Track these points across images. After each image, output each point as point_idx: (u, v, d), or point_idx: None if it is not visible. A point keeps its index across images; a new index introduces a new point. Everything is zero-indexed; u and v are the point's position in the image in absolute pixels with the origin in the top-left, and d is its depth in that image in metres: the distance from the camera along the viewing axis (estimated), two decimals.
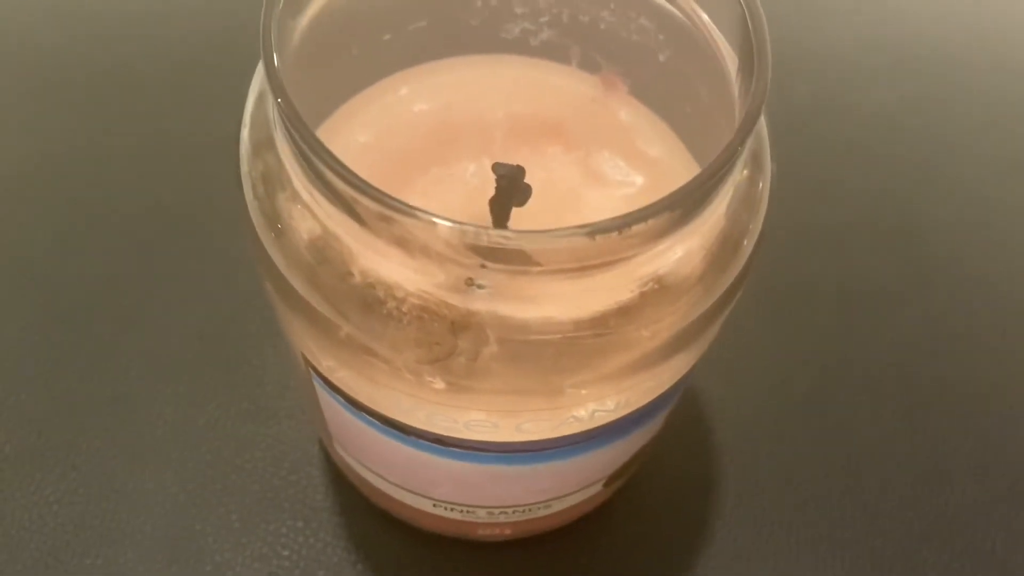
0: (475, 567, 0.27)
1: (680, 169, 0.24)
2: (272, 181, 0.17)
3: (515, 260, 0.15)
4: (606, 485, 0.25)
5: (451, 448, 0.19)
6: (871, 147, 0.36)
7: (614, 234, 0.15)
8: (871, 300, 0.33)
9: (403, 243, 0.15)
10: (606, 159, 0.24)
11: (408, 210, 0.15)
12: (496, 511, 0.24)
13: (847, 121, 0.37)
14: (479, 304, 0.16)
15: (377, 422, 0.20)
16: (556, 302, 0.16)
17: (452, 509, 0.24)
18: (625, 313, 0.17)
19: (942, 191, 0.36)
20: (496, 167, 0.21)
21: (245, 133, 0.18)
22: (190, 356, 0.30)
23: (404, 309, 0.16)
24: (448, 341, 0.16)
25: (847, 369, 0.31)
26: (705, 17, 0.19)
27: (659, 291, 0.17)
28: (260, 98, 0.18)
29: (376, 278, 0.16)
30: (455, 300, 0.16)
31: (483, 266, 0.15)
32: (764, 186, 0.18)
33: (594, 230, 0.15)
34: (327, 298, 0.17)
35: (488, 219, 0.21)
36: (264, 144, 0.18)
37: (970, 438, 0.30)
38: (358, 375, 0.18)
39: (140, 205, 0.33)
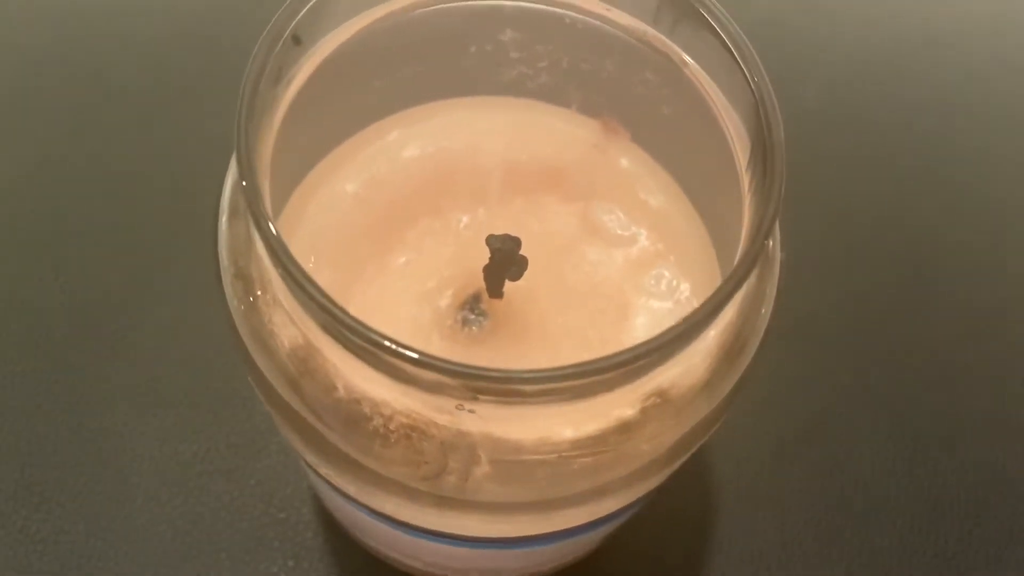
0: None
1: (682, 221, 0.23)
2: (251, 281, 0.16)
3: (509, 393, 0.14)
4: (600, 542, 0.24)
5: (444, 538, 0.19)
6: (879, 159, 0.35)
7: (617, 372, 0.14)
8: (872, 332, 0.32)
9: (389, 371, 0.14)
10: (606, 210, 0.23)
11: (395, 349, 0.14)
12: (490, 573, 0.23)
13: (858, 127, 0.36)
14: (470, 425, 0.15)
15: (367, 511, 0.19)
16: (552, 423, 0.15)
17: (445, 570, 0.23)
18: (626, 430, 0.16)
19: (954, 204, 0.34)
20: (490, 240, 0.20)
21: (223, 222, 0.17)
22: (177, 389, 0.29)
23: (391, 427, 0.15)
24: (438, 460, 0.16)
25: (845, 402, 0.30)
26: (714, 89, 0.18)
27: (661, 404, 0.16)
28: (236, 187, 0.17)
29: (361, 394, 0.15)
30: (445, 421, 0.15)
31: (475, 397, 0.14)
32: (772, 283, 0.17)
33: (592, 370, 0.14)
34: (311, 408, 0.16)
35: (481, 276, 0.21)
36: (242, 239, 0.17)
37: (971, 474, 0.30)
38: (344, 476, 0.17)
39: (126, 234, 0.32)
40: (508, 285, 0.21)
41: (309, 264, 0.22)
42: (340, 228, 0.22)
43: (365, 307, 0.21)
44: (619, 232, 0.23)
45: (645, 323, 0.21)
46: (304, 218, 0.22)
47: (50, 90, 0.35)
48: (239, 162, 0.14)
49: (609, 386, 0.15)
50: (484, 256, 0.20)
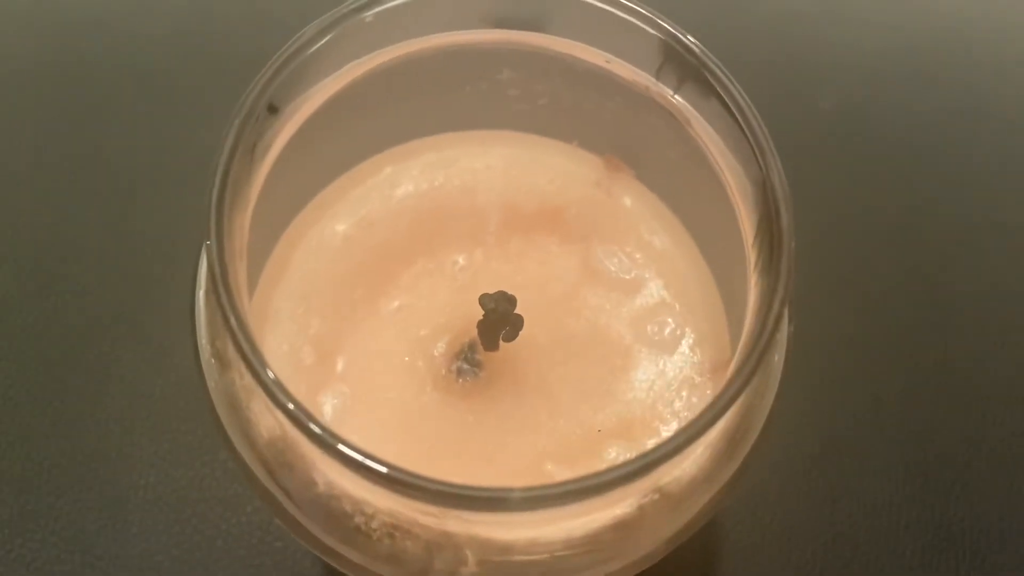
0: None
1: (686, 266, 0.22)
2: (227, 364, 0.16)
3: (496, 510, 0.13)
4: None
5: None
6: (897, 162, 0.34)
7: (615, 490, 0.13)
8: (883, 359, 0.31)
9: (369, 477, 0.14)
10: (608, 252, 0.22)
11: (375, 470, 0.13)
12: None
13: (874, 133, 0.34)
14: (456, 527, 0.15)
15: None
16: (545, 524, 0.15)
17: None
18: (622, 528, 0.15)
19: (962, 234, 0.33)
20: (484, 300, 0.19)
21: (200, 297, 0.16)
22: (172, 414, 0.29)
23: (374, 526, 0.15)
24: (423, 559, 0.15)
25: (850, 433, 0.29)
26: (719, 149, 0.17)
27: (660, 501, 0.15)
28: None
29: (342, 491, 0.15)
30: (429, 521, 0.15)
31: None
32: (778, 366, 0.16)
33: (589, 488, 0.13)
34: (291, 499, 0.15)
35: (475, 323, 0.20)
36: (218, 321, 0.16)
37: (983, 504, 0.29)
38: (331, 559, 0.17)
39: (119, 251, 0.31)
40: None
41: (299, 311, 0.21)
42: (330, 271, 0.21)
43: (356, 356, 0.21)
44: (622, 276, 0.22)
45: (647, 374, 0.21)
46: (293, 261, 0.21)
47: (41, 110, 0.34)
48: (209, 259, 0.13)
49: (604, 492, 0.14)
50: (479, 320, 0.19)
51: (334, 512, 0.15)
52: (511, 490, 0.13)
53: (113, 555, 0.27)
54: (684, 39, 0.16)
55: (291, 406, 0.13)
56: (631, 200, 0.22)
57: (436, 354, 0.21)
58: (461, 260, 0.22)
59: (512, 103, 0.21)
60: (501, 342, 0.20)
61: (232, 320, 0.13)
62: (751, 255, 0.16)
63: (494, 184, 0.22)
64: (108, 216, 0.32)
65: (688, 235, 0.22)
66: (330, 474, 0.15)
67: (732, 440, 0.16)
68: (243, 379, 0.15)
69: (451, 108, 0.21)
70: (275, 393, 0.13)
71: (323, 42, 0.16)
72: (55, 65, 0.35)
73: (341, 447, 0.13)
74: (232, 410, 0.16)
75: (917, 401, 0.30)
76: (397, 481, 0.13)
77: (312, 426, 0.13)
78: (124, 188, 0.32)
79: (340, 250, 0.22)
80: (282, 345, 0.20)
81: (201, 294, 0.16)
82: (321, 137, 0.18)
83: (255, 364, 0.13)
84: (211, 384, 0.16)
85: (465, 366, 0.21)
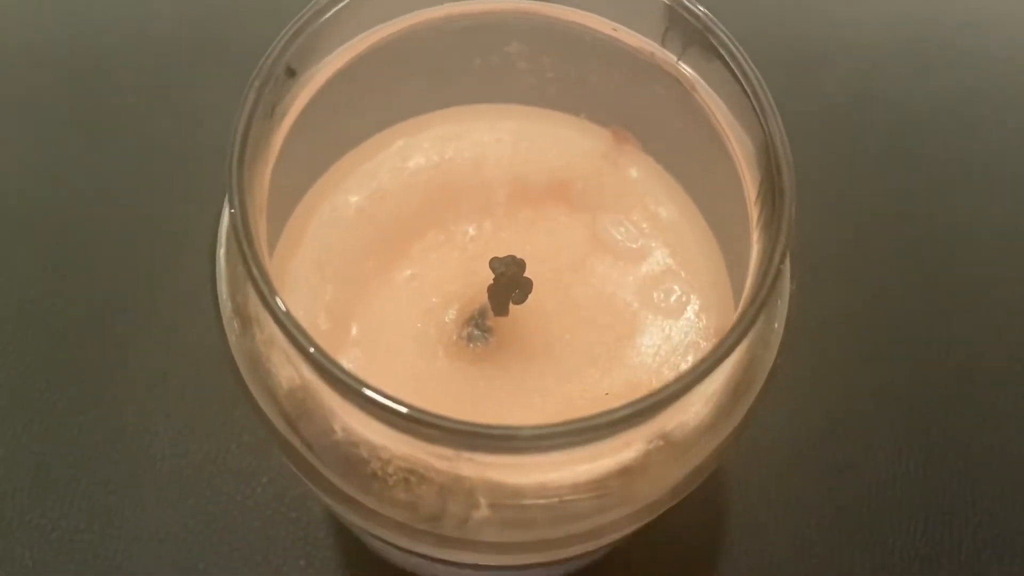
0: None
1: (692, 235, 0.22)
2: (249, 319, 0.16)
3: (507, 449, 0.14)
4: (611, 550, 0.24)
5: (448, 564, 0.19)
6: (892, 164, 0.34)
7: (620, 428, 0.13)
8: (884, 336, 0.31)
9: (386, 420, 0.14)
10: (615, 222, 0.22)
11: (389, 408, 0.13)
12: None
13: (877, 117, 0.35)
14: (468, 470, 0.15)
15: (369, 534, 0.19)
16: (553, 468, 0.15)
17: None
18: (628, 473, 0.15)
19: (967, 214, 0.34)
20: (494, 263, 0.19)
21: (220, 256, 0.17)
22: (189, 387, 0.29)
23: (389, 471, 0.15)
24: (436, 504, 0.15)
25: (856, 408, 0.30)
26: (724, 114, 0.18)
27: (664, 447, 0.16)
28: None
29: (360, 438, 0.15)
30: (443, 466, 0.15)
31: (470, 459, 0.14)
32: (780, 320, 0.17)
33: (598, 426, 0.13)
34: (309, 447, 0.16)
35: (485, 290, 0.20)
36: (239, 276, 0.16)
37: (988, 476, 0.29)
38: (345, 509, 0.17)
39: (135, 231, 0.31)
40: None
41: (314, 279, 0.21)
42: (344, 242, 0.22)
43: (370, 323, 0.21)
44: (628, 245, 0.22)
45: (653, 340, 0.21)
46: (307, 233, 0.22)
47: (55, 92, 0.34)
48: (231, 212, 0.14)
49: (610, 434, 0.14)
50: (490, 270, 0.19)
51: (351, 459, 0.15)
52: (521, 428, 0.13)
53: (130, 526, 0.28)
54: (688, 3, 0.17)
55: (313, 350, 0.13)
56: (637, 172, 0.22)
57: (447, 321, 0.21)
58: (471, 231, 0.22)
59: (521, 76, 0.22)
60: (511, 307, 0.20)
61: (253, 268, 0.14)
62: (753, 213, 0.16)
63: (503, 157, 0.23)
64: (123, 201, 0.32)
65: (694, 205, 0.22)
66: (348, 421, 0.15)
67: (735, 391, 0.16)
68: (263, 333, 0.16)
69: (461, 82, 0.22)
70: (298, 338, 0.13)
71: (340, 7, 0.17)
72: (67, 42, 0.35)
73: (364, 390, 0.13)
74: (252, 365, 0.16)
75: (921, 379, 0.31)
76: (415, 420, 0.13)
77: (333, 369, 0.13)
78: (137, 173, 0.33)
79: (353, 221, 0.22)
80: (298, 311, 0.21)
81: (222, 253, 0.17)
82: (335, 104, 0.19)
83: (277, 311, 0.14)
84: (231, 340, 0.17)
85: (475, 332, 0.21)
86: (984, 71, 0.36)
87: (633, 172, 0.23)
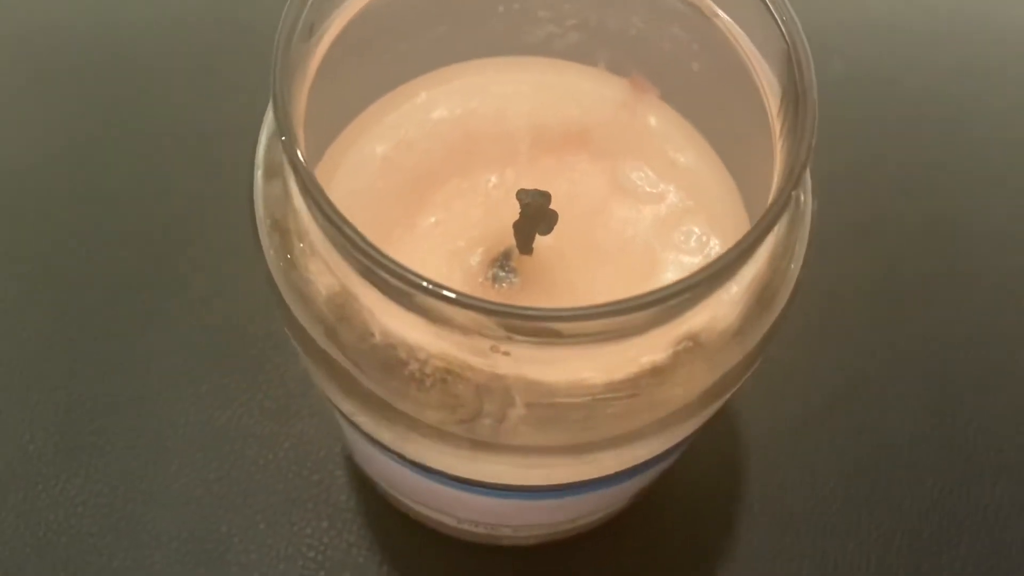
0: (500, 570, 0.27)
1: (713, 179, 0.23)
2: (288, 231, 0.17)
3: (543, 334, 0.14)
4: (630, 501, 0.24)
5: (476, 487, 0.19)
6: (906, 135, 0.35)
7: (649, 311, 0.14)
8: (900, 298, 0.32)
9: (425, 312, 0.15)
10: (635, 169, 0.23)
11: (430, 288, 0.14)
12: (522, 528, 0.23)
13: (884, 99, 0.36)
14: (505, 368, 0.15)
15: (400, 460, 0.19)
16: (586, 366, 0.16)
17: (477, 526, 0.23)
18: (658, 374, 0.16)
19: (980, 180, 0.34)
20: (520, 194, 0.20)
21: (259, 174, 0.17)
22: (212, 355, 0.30)
23: (427, 371, 0.16)
24: (473, 404, 0.16)
25: (873, 369, 0.30)
26: (745, 40, 0.18)
27: (694, 349, 0.16)
28: (272, 139, 0.17)
29: (398, 339, 0.16)
30: (480, 364, 0.15)
31: (509, 338, 0.15)
32: (804, 231, 0.17)
33: (628, 308, 0.14)
34: (347, 354, 0.16)
35: (511, 235, 0.21)
36: (277, 186, 0.17)
37: (1001, 437, 0.30)
38: (380, 423, 0.18)
39: (159, 202, 0.32)
40: (538, 244, 0.21)
41: None
42: (370, 190, 0.22)
43: None
44: (648, 190, 0.23)
45: (675, 279, 0.22)
46: (333, 181, 0.22)
47: (76, 65, 0.35)
48: (275, 109, 0.15)
49: (642, 327, 0.15)
50: (513, 214, 0.20)
51: (389, 361, 0.16)
52: (562, 308, 0.14)
53: (154, 490, 0.28)
54: None
55: (360, 239, 0.14)
56: (656, 120, 0.23)
57: (472, 264, 0.22)
58: (494, 179, 0.23)
59: (541, 25, 0.22)
60: (535, 249, 0.21)
61: (298, 163, 0.14)
62: (776, 127, 0.17)
63: (524, 108, 0.23)
64: (148, 172, 0.33)
65: (713, 151, 0.23)
66: (386, 323, 0.16)
67: (761, 298, 0.17)
68: (302, 243, 0.16)
69: (483, 31, 0.22)
70: (343, 228, 0.14)
71: None
72: (93, 15, 0.36)
73: (410, 274, 0.14)
74: (290, 279, 0.17)
75: (935, 342, 0.31)
76: (461, 304, 0.14)
77: (376, 255, 0.14)
78: (163, 145, 0.33)
79: (379, 170, 0.23)
80: None
81: (259, 174, 0.17)
82: (365, 42, 0.19)
83: (320, 201, 0.14)
84: (269, 256, 0.17)
85: (501, 273, 0.21)
86: (982, 49, 0.37)
87: (652, 120, 0.23)
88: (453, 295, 0.14)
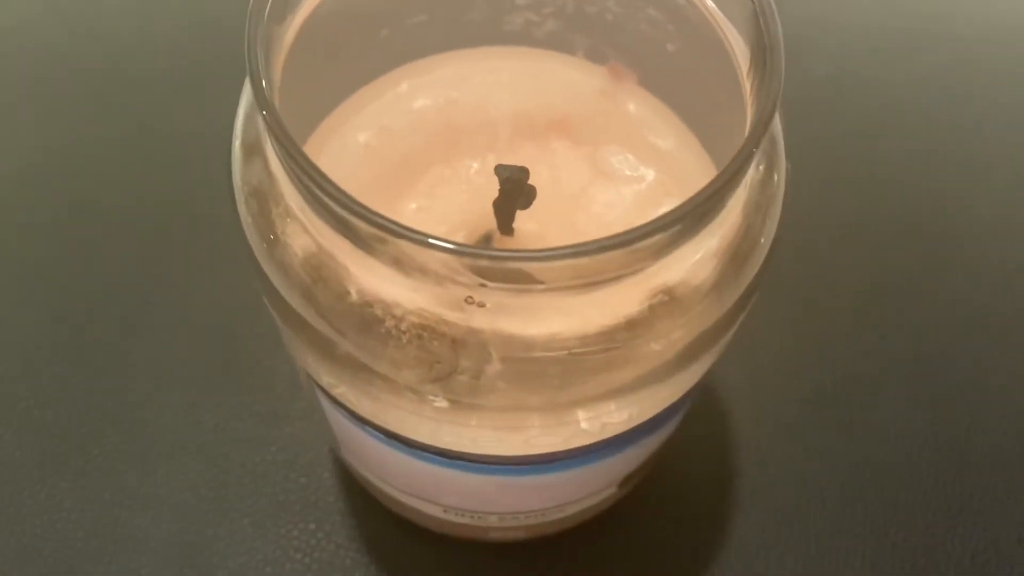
0: (489, 569, 0.27)
1: (692, 162, 0.23)
2: (264, 196, 0.17)
3: (516, 279, 0.14)
4: (620, 487, 0.24)
5: (458, 461, 0.19)
6: (889, 130, 0.35)
7: (619, 251, 0.14)
8: (891, 290, 0.32)
9: (399, 263, 0.15)
10: (615, 154, 0.23)
11: (403, 231, 0.14)
12: (508, 517, 0.23)
13: (866, 101, 0.36)
14: (481, 321, 0.15)
15: (382, 436, 0.19)
16: (561, 318, 0.16)
17: (463, 515, 0.23)
18: (634, 327, 0.16)
19: (964, 176, 0.34)
20: (499, 169, 0.20)
21: (236, 144, 0.18)
22: (199, 359, 0.30)
23: (403, 328, 0.16)
24: (449, 359, 0.16)
25: (864, 361, 0.30)
26: (715, 9, 0.19)
27: (669, 303, 0.16)
28: (250, 109, 0.18)
29: (374, 297, 0.16)
30: (455, 318, 0.15)
31: (483, 285, 0.15)
32: (779, 187, 0.17)
33: (598, 248, 0.14)
34: (324, 316, 0.16)
35: (492, 220, 0.21)
36: (255, 157, 0.17)
37: (993, 430, 0.29)
38: (359, 392, 0.18)
39: (144, 207, 0.32)
40: (519, 228, 0.21)
41: None
42: (352, 178, 0.22)
43: None
44: (628, 173, 0.23)
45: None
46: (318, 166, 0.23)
47: (65, 69, 0.35)
48: (249, 62, 0.15)
49: (615, 272, 0.15)
50: (494, 198, 0.20)
51: (366, 319, 0.16)
52: (531, 250, 0.14)
53: (142, 495, 0.28)
54: None
55: (332, 187, 0.14)
56: (635, 106, 0.23)
57: None
58: (475, 165, 0.23)
59: (520, 13, 0.23)
60: (517, 234, 0.21)
61: (268, 106, 0.14)
62: (747, 88, 0.17)
63: (505, 98, 0.24)
64: (132, 180, 0.33)
65: (691, 134, 0.23)
66: (362, 282, 0.16)
67: (737, 254, 0.17)
68: (279, 207, 0.17)
69: (463, 20, 0.23)
70: (317, 178, 0.14)
71: None
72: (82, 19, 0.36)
73: (392, 224, 0.14)
74: (267, 244, 0.17)
75: (926, 335, 0.31)
76: (435, 247, 0.14)
77: (353, 203, 0.14)
78: (151, 150, 0.34)
79: (361, 157, 0.23)
80: None
81: (237, 144, 0.18)
82: (342, 29, 0.20)
83: (293, 151, 0.14)
84: (247, 224, 0.17)
85: None
86: (964, 55, 0.37)
87: (631, 107, 0.23)
88: (425, 237, 0.14)
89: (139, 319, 0.30)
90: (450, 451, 0.18)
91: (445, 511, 0.23)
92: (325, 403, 0.20)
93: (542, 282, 0.14)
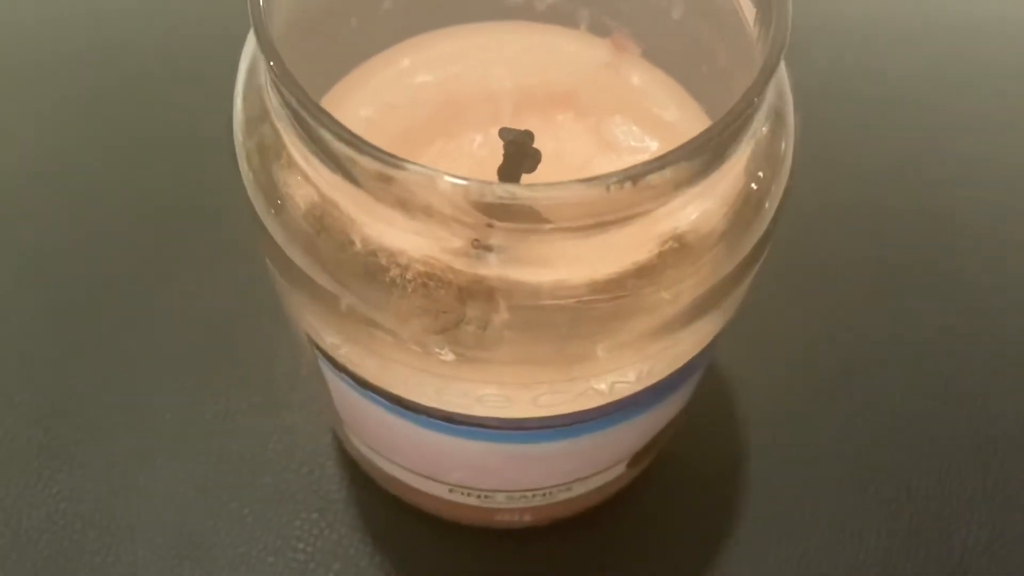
0: (495, 556, 0.26)
1: (696, 132, 0.23)
2: (267, 151, 0.17)
3: (524, 217, 0.14)
4: (629, 466, 0.24)
5: (463, 427, 0.18)
6: (894, 116, 0.35)
7: (627, 185, 0.14)
8: (898, 273, 0.31)
9: (404, 204, 0.14)
10: (619, 125, 0.23)
11: (407, 166, 0.14)
12: (516, 495, 0.23)
13: (869, 90, 0.36)
14: (487, 268, 0.15)
15: (386, 402, 0.19)
16: (569, 264, 0.15)
17: (469, 495, 0.23)
18: (643, 274, 0.16)
19: (968, 161, 0.34)
20: (503, 132, 0.20)
21: (238, 104, 0.17)
22: (198, 351, 0.29)
23: (408, 276, 0.15)
24: (455, 309, 0.15)
25: (873, 345, 0.30)
26: None
27: (679, 250, 0.16)
28: (252, 67, 0.17)
29: (378, 245, 0.15)
30: (462, 265, 0.15)
31: (490, 225, 0.14)
32: (787, 143, 0.17)
33: (607, 181, 0.14)
34: (327, 269, 0.16)
35: None
36: (258, 115, 0.17)
37: (1006, 413, 0.29)
38: (363, 350, 0.17)
39: (144, 199, 0.32)
40: None
41: None
42: None
43: None
44: (633, 144, 0.23)
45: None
46: None
47: (63, 64, 0.35)
48: (251, 9, 0.15)
49: (622, 213, 0.14)
50: (497, 172, 0.20)
51: (370, 269, 0.16)
52: (537, 184, 0.13)
53: (140, 485, 0.27)
54: None
55: (333, 123, 0.14)
56: (639, 77, 0.23)
57: None
58: (479, 139, 0.23)
59: None
60: None
61: (273, 68, 0.14)
62: (754, 37, 0.17)
63: (508, 72, 0.23)
64: (135, 172, 0.33)
65: (696, 105, 0.23)
66: (366, 230, 0.16)
67: (747, 203, 0.16)
68: (281, 159, 0.16)
69: None
70: (327, 122, 0.14)
71: None
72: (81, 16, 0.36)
73: (396, 160, 0.13)
74: (270, 198, 0.17)
75: (933, 320, 0.31)
76: (442, 182, 0.13)
77: (356, 139, 0.14)
78: (150, 141, 0.34)
79: (364, 132, 0.22)
80: None
81: (239, 101, 0.17)
82: (339, 18, 0.20)
83: (295, 91, 0.14)
84: (248, 180, 0.17)
85: None
86: (968, 43, 0.37)
87: (635, 79, 0.23)
88: (432, 171, 0.14)
89: (138, 310, 0.30)
90: (456, 415, 0.18)
91: (451, 490, 0.23)
92: (328, 373, 0.20)
93: (549, 221, 0.14)
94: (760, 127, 0.16)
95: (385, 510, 0.27)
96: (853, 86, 0.36)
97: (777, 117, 0.17)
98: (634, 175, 0.14)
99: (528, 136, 0.20)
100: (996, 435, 0.29)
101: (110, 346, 0.29)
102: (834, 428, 0.29)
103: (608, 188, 0.14)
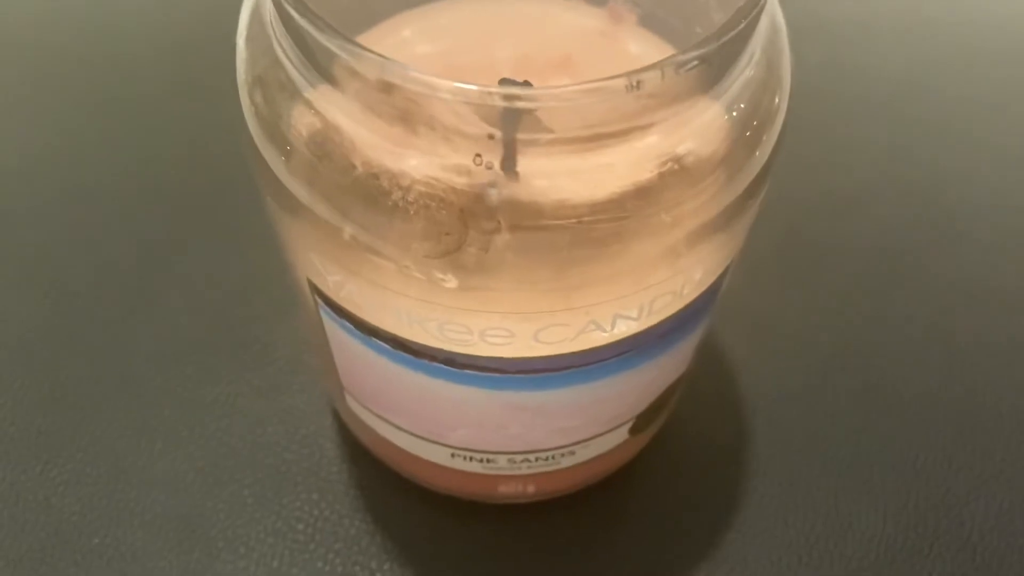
0: (496, 533, 0.26)
1: None
2: (269, 83, 0.17)
3: (525, 126, 0.14)
4: (632, 432, 0.23)
5: (465, 371, 0.18)
6: (886, 108, 0.36)
7: (628, 84, 0.14)
8: (899, 256, 0.32)
9: (406, 118, 0.15)
10: None
11: (410, 74, 0.14)
12: (518, 459, 0.22)
13: (861, 83, 0.36)
14: (489, 186, 0.15)
15: (387, 346, 0.19)
16: (570, 183, 0.15)
17: (471, 459, 0.23)
18: (644, 194, 0.16)
19: (963, 147, 0.35)
20: (503, 83, 0.20)
21: (241, 42, 0.18)
22: (198, 336, 0.29)
23: (410, 199, 0.15)
24: (458, 230, 0.15)
25: (875, 325, 0.30)
26: None
27: (679, 172, 0.16)
28: (255, 7, 0.18)
29: (379, 167, 0.16)
30: (463, 185, 0.15)
31: (491, 136, 0.14)
32: (784, 73, 0.17)
33: (602, 86, 0.14)
34: (329, 198, 0.16)
35: None
36: (260, 49, 0.17)
37: (1011, 390, 0.29)
38: (365, 285, 0.17)
39: (145, 185, 0.32)
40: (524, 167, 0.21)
41: None
42: None
43: None
44: None
45: None
46: None
47: (65, 61, 0.36)
48: None
49: (626, 124, 0.15)
50: None
51: (372, 193, 0.16)
52: (537, 88, 0.14)
53: (139, 469, 0.27)
54: None
55: (345, 41, 0.14)
56: (636, 45, 0.23)
57: None
58: None
59: None
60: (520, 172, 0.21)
61: None
62: None
63: (507, 42, 0.24)
64: (137, 160, 0.33)
65: None
66: (367, 153, 0.16)
67: (745, 128, 0.17)
68: (283, 92, 0.16)
69: None
70: (329, 32, 0.14)
71: None
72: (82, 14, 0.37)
73: (397, 65, 0.14)
74: (270, 129, 0.17)
75: (934, 301, 0.31)
76: (442, 88, 0.13)
77: (355, 47, 0.14)
78: (150, 133, 0.34)
79: None
80: None
81: (241, 41, 0.18)
82: None
83: (300, 9, 0.14)
84: (250, 114, 0.17)
85: (490, 190, 0.21)
86: (960, 36, 0.38)
87: (632, 47, 0.24)
88: (434, 78, 0.14)
89: (137, 295, 0.30)
90: (458, 356, 0.18)
91: (453, 455, 0.22)
92: (330, 324, 0.20)
93: (551, 130, 0.14)
94: (756, 49, 0.16)
95: (385, 490, 0.27)
96: (848, 79, 0.36)
97: (773, 47, 0.17)
98: (634, 79, 0.14)
99: (528, 87, 0.20)
100: (1002, 412, 0.28)
101: (109, 330, 0.29)
102: (838, 405, 0.28)
103: (608, 90, 0.14)
